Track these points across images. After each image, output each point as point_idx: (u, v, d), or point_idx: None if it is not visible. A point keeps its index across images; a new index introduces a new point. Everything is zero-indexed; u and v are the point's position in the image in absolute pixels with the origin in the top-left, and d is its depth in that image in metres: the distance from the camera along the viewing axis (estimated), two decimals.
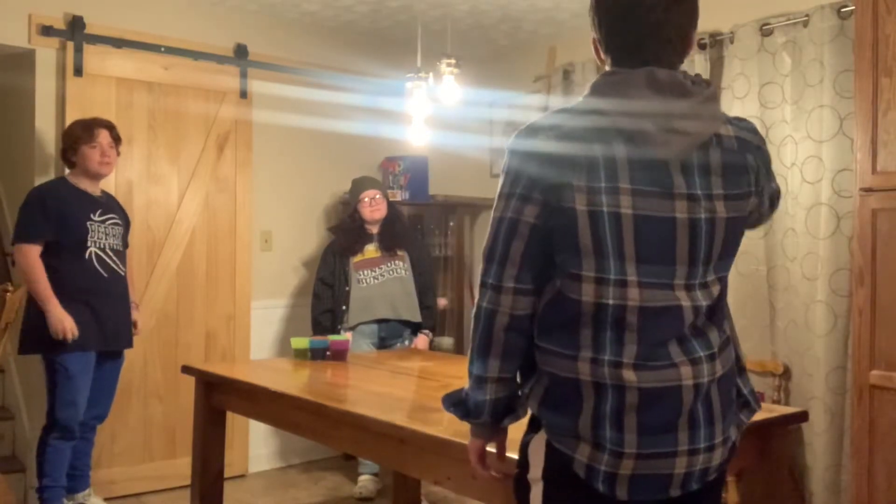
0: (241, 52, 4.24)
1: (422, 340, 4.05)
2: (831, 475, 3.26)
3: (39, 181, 3.69)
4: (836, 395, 3.24)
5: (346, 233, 4.10)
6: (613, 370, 1.35)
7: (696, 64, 3.69)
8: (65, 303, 3.21)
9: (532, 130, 1.45)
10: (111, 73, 3.86)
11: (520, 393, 1.50)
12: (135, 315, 3.57)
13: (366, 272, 4.00)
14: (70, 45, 3.74)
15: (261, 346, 4.36)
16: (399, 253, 4.06)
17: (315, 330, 3.99)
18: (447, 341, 4.72)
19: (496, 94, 4.81)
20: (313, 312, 4.04)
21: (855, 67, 2.76)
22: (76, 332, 3.19)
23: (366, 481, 3.91)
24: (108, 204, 3.48)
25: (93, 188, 3.43)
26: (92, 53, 3.80)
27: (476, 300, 1.48)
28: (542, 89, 4.56)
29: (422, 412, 2.30)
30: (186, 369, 3.08)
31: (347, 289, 3.99)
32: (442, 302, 4.57)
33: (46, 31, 3.69)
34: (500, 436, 1.60)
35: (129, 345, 3.51)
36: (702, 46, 3.70)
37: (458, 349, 4.77)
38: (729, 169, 1.42)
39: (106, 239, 3.38)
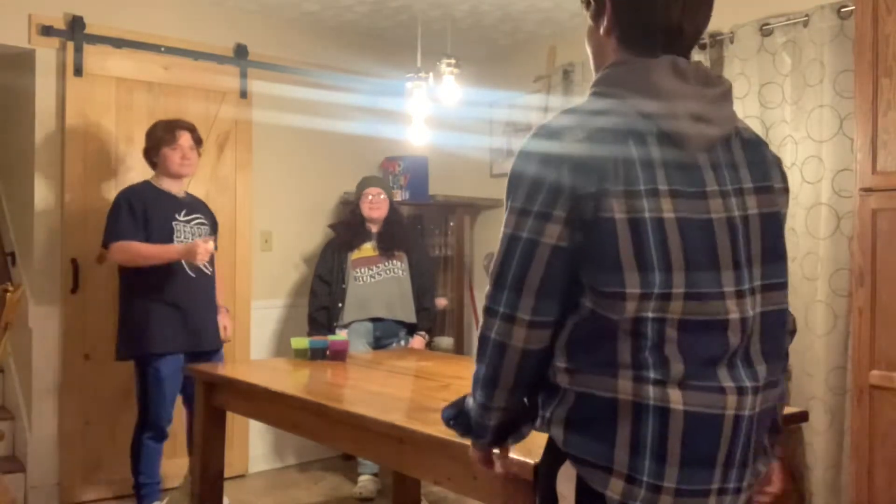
0: (241, 52, 4.24)
1: (417, 342, 4.07)
2: (831, 475, 3.26)
3: (39, 181, 3.71)
4: (836, 395, 3.24)
5: (346, 227, 4.11)
6: (659, 389, 1.21)
7: None
8: (153, 305, 3.31)
9: (551, 132, 1.27)
10: (111, 73, 3.86)
11: (539, 416, 1.33)
12: (225, 320, 3.65)
13: (363, 270, 4.00)
14: (70, 45, 3.73)
15: (261, 346, 4.36)
16: (397, 253, 4.07)
17: (310, 326, 3.99)
18: (446, 341, 4.72)
19: (496, 94, 4.81)
20: (309, 309, 4.05)
21: (855, 67, 2.76)
22: (210, 248, 3.25)
23: (366, 481, 3.91)
24: (193, 204, 3.55)
25: (176, 189, 3.49)
26: (92, 53, 3.79)
27: (481, 325, 1.31)
28: (542, 89, 4.56)
29: (421, 412, 2.30)
30: (186, 369, 3.08)
31: (344, 286, 3.99)
32: (442, 302, 4.56)
33: (46, 31, 3.69)
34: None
35: (216, 345, 3.53)
36: (702, 46, 3.70)
37: (458, 349, 4.77)
38: (753, 161, 1.34)
39: (193, 238, 3.41)
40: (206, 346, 3.47)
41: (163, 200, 3.41)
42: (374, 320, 4.00)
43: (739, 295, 1.26)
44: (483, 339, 1.30)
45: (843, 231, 3.21)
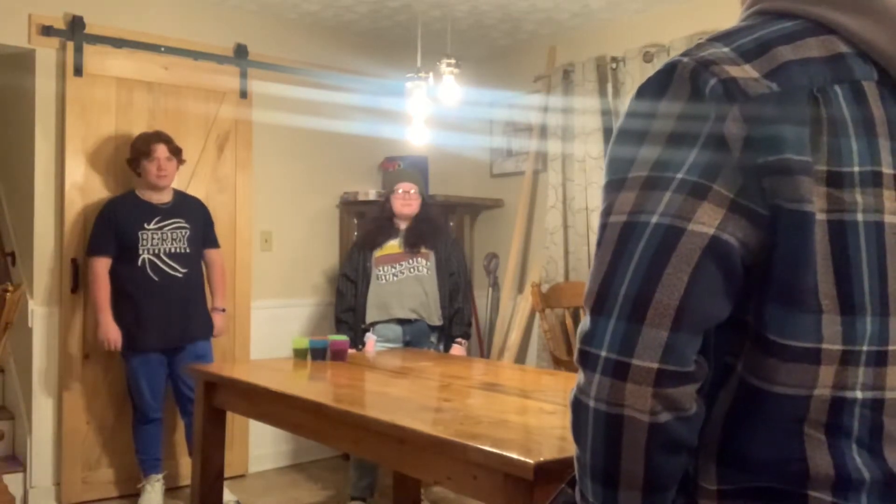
0: (241, 52, 4.24)
1: (457, 350, 3.81)
2: None
3: (39, 181, 3.71)
4: None
5: (373, 222, 3.96)
6: None
7: None
8: (122, 308, 3.57)
9: (715, 56, 0.77)
10: (111, 73, 3.86)
11: None
12: (218, 321, 3.82)
13: (385, 268, 3.81)
14: (70, 45, 3.73)
15: (261, 346, 4.36)
16: (423, 251, 3.85)
17: (338, 329, 3.82)
18: None
19: (496, 94, 4.81)
20: (336, 310, 3.89)
21: None
22: (118, 345, 3.54)
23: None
24: (174, 210, 3.70)
25: (157, 197, 3.67)
26: (92, 53, 3.79)
27: (576, 382, 0.79)
28: (542, 89, 4.56)
29: (422, 412, 2.30)
30: (187, 369, 3.08)
31: (368, 285, 3.82)
32: None
33: (46, 31, 3.69)
34: None
35: (189, 340, 3.67)
36: None
37: None
38: None
39: (162, 244, 3.62)
40: (179, 341, 3.64)
41: (137, 210, 3.62)
42: (402, 323, 3.80)
43: None
44: (575, 403, 0.79)
45: None
